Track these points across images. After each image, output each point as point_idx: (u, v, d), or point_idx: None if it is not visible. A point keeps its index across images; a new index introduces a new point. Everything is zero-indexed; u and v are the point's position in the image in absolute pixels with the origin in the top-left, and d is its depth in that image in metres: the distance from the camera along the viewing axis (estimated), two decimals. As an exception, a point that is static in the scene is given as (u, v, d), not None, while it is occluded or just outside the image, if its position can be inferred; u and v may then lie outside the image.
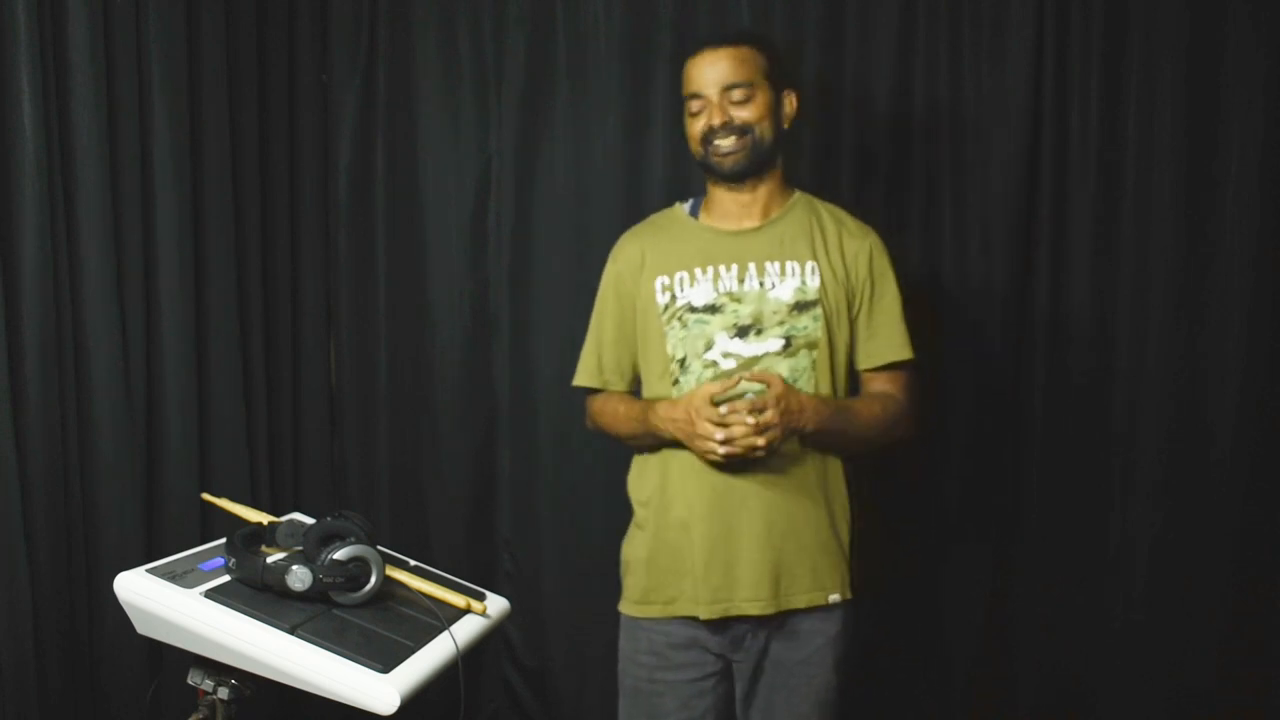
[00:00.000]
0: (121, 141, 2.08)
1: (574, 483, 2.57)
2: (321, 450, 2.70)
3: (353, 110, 2.64)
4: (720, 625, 1.82)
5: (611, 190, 2.51)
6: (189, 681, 1.55)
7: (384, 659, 1.43)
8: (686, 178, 2.41)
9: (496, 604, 1.75)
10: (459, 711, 1.57)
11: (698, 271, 1.82)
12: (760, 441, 1.67)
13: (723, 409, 1.70)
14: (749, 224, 1.85)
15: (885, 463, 2.13)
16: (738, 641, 1.83)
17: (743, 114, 1.79)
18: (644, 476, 1.88)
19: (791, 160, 1.95)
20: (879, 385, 1.87)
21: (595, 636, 2.58)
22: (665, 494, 1.84)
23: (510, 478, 2.67)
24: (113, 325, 2.06)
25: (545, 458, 2.62)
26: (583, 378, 1.98)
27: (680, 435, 1.76)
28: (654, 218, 1.98)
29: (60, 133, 1.97)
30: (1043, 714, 2.35)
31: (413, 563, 1.78)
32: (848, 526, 1.85)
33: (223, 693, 1.53)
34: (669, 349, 1.83)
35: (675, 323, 1.83)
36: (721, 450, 1.69)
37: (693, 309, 1.82)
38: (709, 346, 1.80)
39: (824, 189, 2.03)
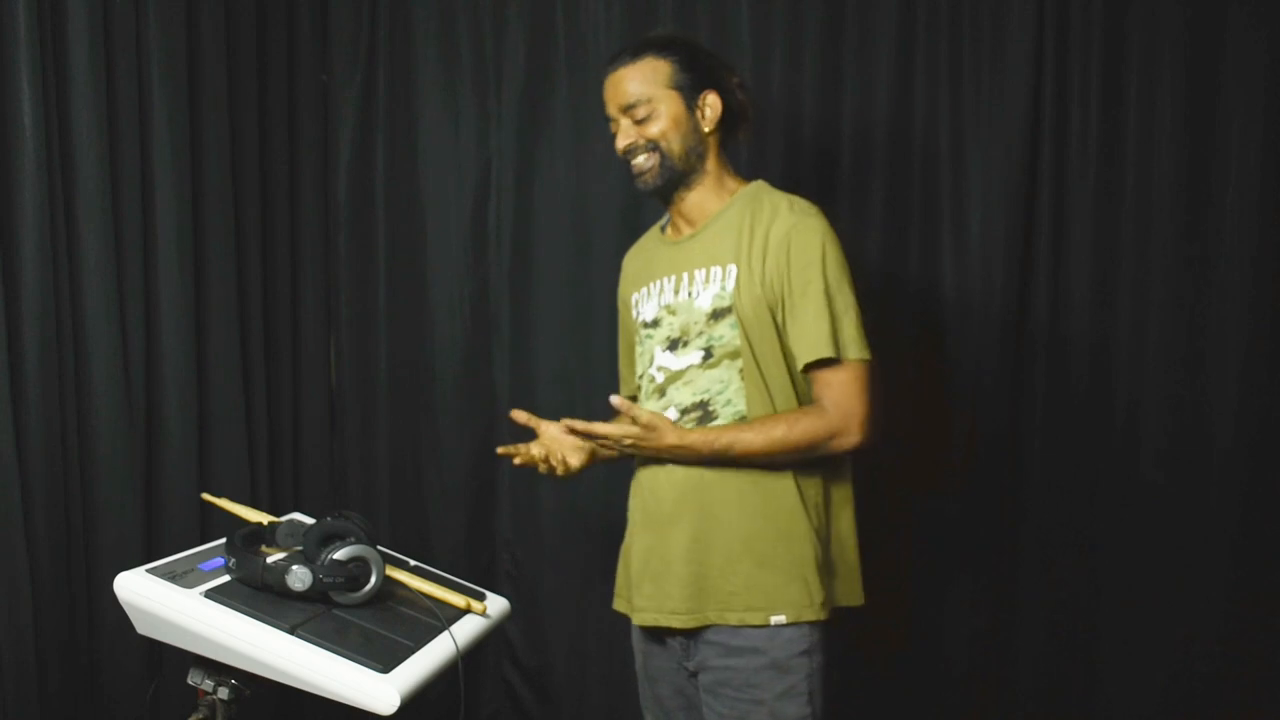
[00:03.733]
0: (121, 141, 2.08)
1: (574, 483, 2.56)
2: (321, 450, 2.70)
3: (353, 110, 2.64)
4: (660, 633, 1.80)
5: (611, 190, 2.51)
6: (189, 681, 1.55)
7: (384, 659, 1.43)
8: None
9: (496, 604, 1.75)
10: (459, 711, 1.57)
11: (651, 286, 1.82)
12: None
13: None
14: (688, 232, 1.82)
15: (884, 464, 2.13)
16: (685, 650, 1.78)
17: (647, 131, 1.74)
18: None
19: (733, 157, 1.86)
20: (815, 389, 1.71)
21: (595, 636, 2.58)
22: (631, 497, 1.86)
23: (510, 478, 2.67)
24: (113, 325, 2.06)
25: (545, 458, 2.61)
26: (623, 388, 2.05)
27: None
28: (652, 229, 1.99)
29: (60, 133, 1.97)
30: (1042, 715, 2.35)
31: (413, 563, 1.78)
32: (809, 544, 1.70)
33: (223, 693, 1.54)
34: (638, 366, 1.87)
35: (637, 339, 1.86)
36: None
37: (645, 325, 1.83)
38: (650, 362, 1.80)
39: (822, 194, 2.02)
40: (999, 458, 2.33)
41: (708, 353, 1.72)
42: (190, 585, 1.51)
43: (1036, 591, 2.34)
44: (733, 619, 1.70)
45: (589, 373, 2.54)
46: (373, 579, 1.54)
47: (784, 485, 1.71)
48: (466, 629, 1.62)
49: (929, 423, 2.28)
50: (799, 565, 1.70)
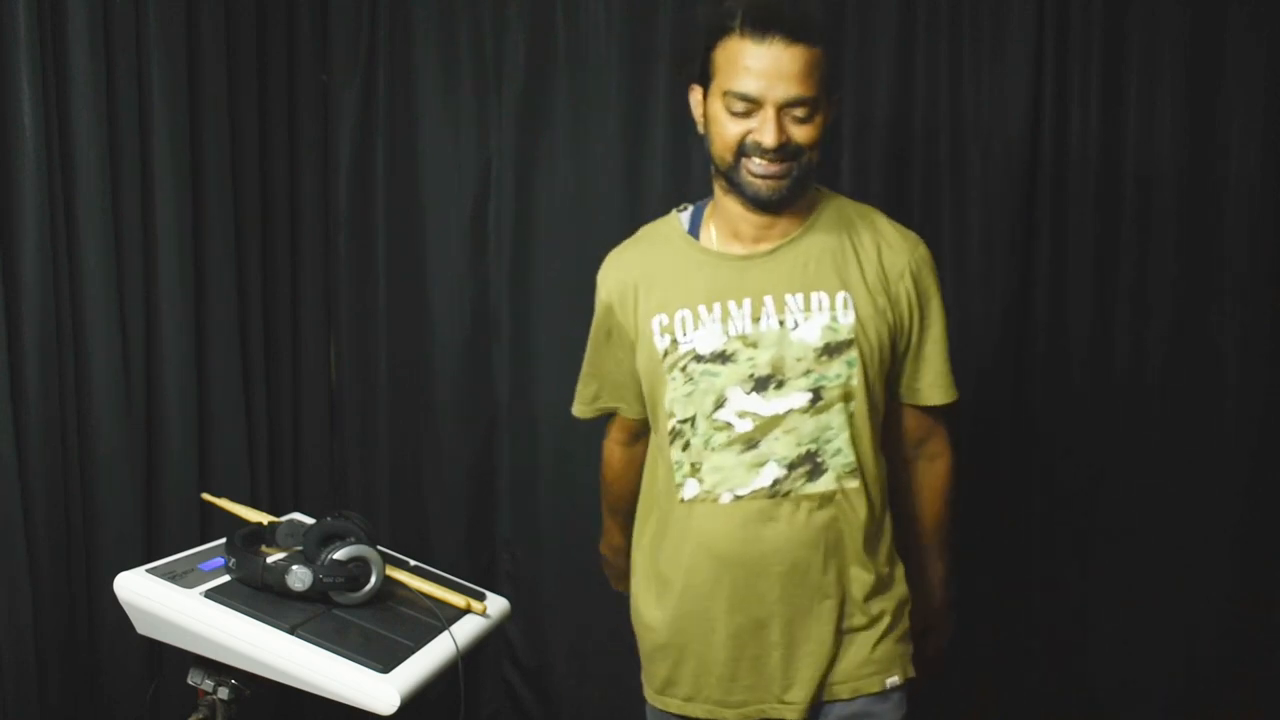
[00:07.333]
0: (121, 141, 2.08)
1: (574, 483, 2.57)
2: (321, 450, 2.70)
3: (353, 110, 2.64)
4: None
5: (611, 190, 2.51)
6: (189, 681, 1.56)
7: (384, 659, 1.43)
8: (686, 179, 2.41)
9: (496, 604, 1.75)
10: (459, 711, 1.57)
11: (703, 310, 1.50)
12: None
13: None
14: (764, 246, 1.51)
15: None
16: None
17: (800, 135, 1.43)
18: (660, 534, 1.58)
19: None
20: (917, 426, 1.61)
21: (595, 636, 2.58)
22: (679, 565, 1.53)
23: (510, 478, 2.67)
24: (113, 325, 2.06)
25: (545, 458, 2.62)
26: (578, 408, 1.76)
27: None
28: (646, 231, 1.65)
29: (60, 133, 1.96)
30: (1043, 714, 2.35)
31: (413, 563, 1.78)
32: (905, 590, 1.56)
33: (223, 693, 1.54)
34: (667, 405, 1.52)
35: (678, 373, 1.50)
36: None
37: (699, 358, 1.49)
38: (720, 404, 1.48)
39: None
40: (999, 457, 2.33)
41: (816, 395, 1.47)
42: (190, 585, 1.52)
43: (1036, 591, 2.34)
44: (845, 691, 1.51)
45: (589, 373, 2.54)
46: (373, 579, 1.54)
47: (889, 529, 1.56)
48: (466, 629, 1.62)
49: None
50: (901, 619, 1.56)
